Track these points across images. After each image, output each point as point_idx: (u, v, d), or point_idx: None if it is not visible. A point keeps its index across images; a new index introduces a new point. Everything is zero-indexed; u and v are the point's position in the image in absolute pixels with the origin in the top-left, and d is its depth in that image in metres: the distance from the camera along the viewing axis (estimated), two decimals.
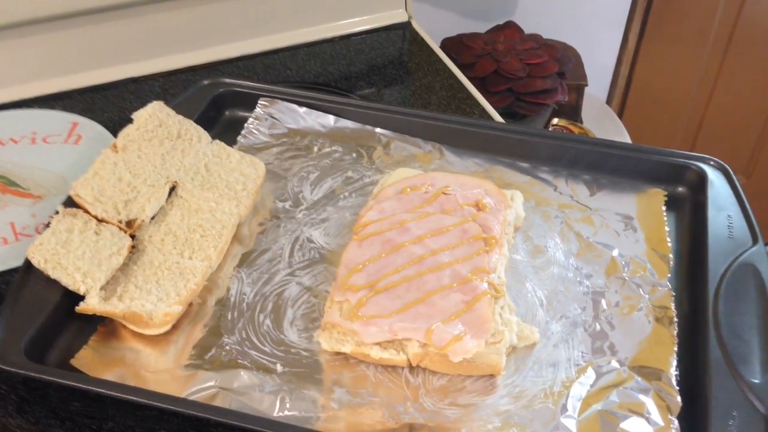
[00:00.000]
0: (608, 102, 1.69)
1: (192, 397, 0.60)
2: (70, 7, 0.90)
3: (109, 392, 0.58)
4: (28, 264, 0.66)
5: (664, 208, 0.76)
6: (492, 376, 0.62)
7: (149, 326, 0.64)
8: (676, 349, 0.62)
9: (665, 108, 1.75)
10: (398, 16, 1.09)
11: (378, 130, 0.85)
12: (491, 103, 0.97)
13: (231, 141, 0.81)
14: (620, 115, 1.70)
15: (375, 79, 1.00)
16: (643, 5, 1.57)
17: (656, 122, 1.78)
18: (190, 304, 0.67)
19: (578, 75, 1.29)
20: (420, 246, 0.68)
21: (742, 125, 1.79)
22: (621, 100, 1.70)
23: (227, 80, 0.88)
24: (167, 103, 0.82)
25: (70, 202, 0.71)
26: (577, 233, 0.74)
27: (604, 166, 0.79)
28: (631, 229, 0.74)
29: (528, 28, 1.30)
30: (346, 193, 0.79)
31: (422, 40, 1.07)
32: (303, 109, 0.86)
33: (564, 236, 0.74)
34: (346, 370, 0.63)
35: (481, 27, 1.28)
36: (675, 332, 0.64)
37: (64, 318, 0.65)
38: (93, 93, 0.94)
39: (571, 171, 0.80)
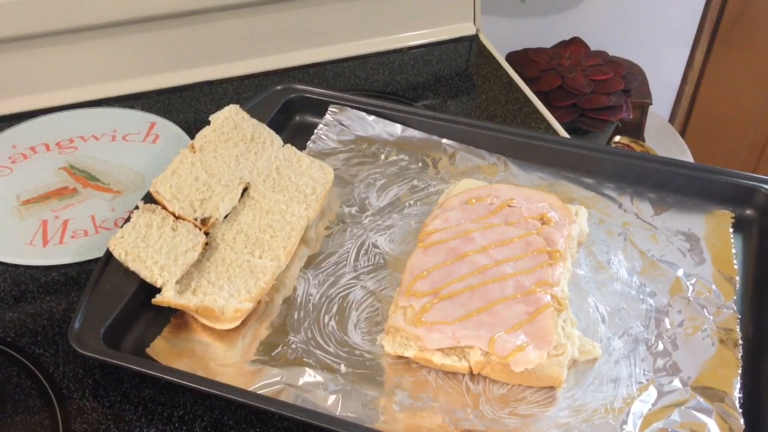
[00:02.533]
0: (671, 121, 1.68)
1: (258, 392, 0.62)
2: (152, 11, 0.94)
3: (180, 381, 0.61)
4: (108, 255, 0.69)
5: (731, 229, 0.75)
6: (552, 388, 0.62)
7: (220, 321, 0.66)
8: (740, 371, 0.62)
9: (729, 129, 1.73)
10: (466, 29, 1.10)
11: (444, 140, 0.86)
12: (555, 118, 0.97)
13: (300, 145, 0.84)
14: (683, 134, 1.68)
15: (441, 90, 1.02)
16: (711, 25, 1.55)
17: (719, 143, 1.75)
18: (259, 302, 0.70)
19: (643, 93, 1.28)
20: (484, 256, 0.69)
21: None
22: (684, 119, 1.68)
23: (299, 86, 0.91)
24: (241, 106, 0.85)
25: (149, 198, 0.74)
26: (640, 251, 0.74)
27: (671, 185, 0.79)
28: (696, 249, 0.74)
29: (594, 45, 1.30)
30: (411, 201, 0.81)
31: (489, 53, 1.08)
32: (371, 117, 0.88)
33: (627, 253, 0.74)
34: (408, 374, 0.64)
35: (547, 42, 1.29)
36: (739, 355, 0.64)
37: (140, 309, 0.68)
38: (170, 94, 0.98)
39: (636, 189, 0.80)
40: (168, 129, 0.92)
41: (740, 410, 0.59)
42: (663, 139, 1.36)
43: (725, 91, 1.65)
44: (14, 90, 0.95)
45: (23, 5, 0.89)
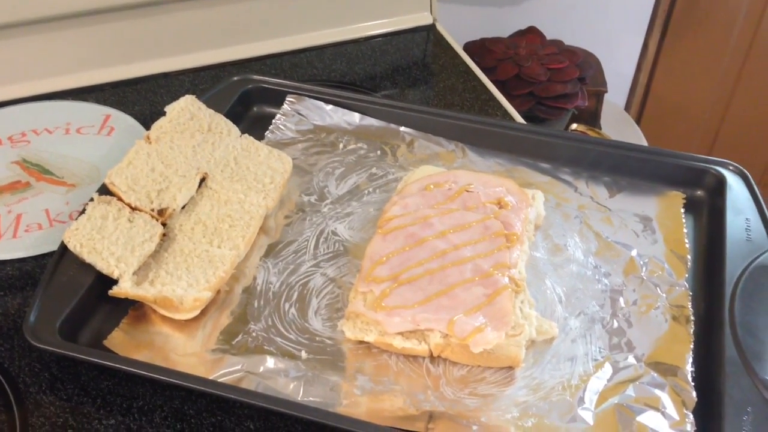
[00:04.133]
0: (627, 109, 1.71)
1: (219, 380, 0.62)
2: (105, 2, 0.93)
3: (139, 371, 0.61)
4: (63, 248, 0.68)
5: (682, 210, 0.77)
6: (511, 368, 0.63)
7: (179, 311, 0.66)
8: (692, 346, 0.64)
9: (683, 116, 1.76)
10: (423, 18, 1.11)
11: (402, 128, 0.87)
12: (512, 106, 0.98)
13: (258, 136, 0.84)
14: (638, 121, 1.71)
15: (399, 80, 1.02)
16: (663, 14, 1.58)
17: (674, 130, 1.78)
18: (218, 291, 0.69)
19: (598, 81, 1.30)
20: (443, 241, 0.69)
21: (760, 134, 1.79)
22: (639, 107, 1.71)
23: (256, 77, 0.90)
24: (198, 97, 0.84)
25: (104, 190, 0.73)
26: (596, 233, 0.76)
27: (624, 168, 0.81)
28: (649, 230, 0.75)
29: (550, 35, 1.32)
30: (371, 189, 0.81)
31: (446, 42, 1.09)
32: (329, 107, 0.88)
33: (583, 235, 0.76)
34: (369, 358, 0.65)
35: (504, 32, 1.30)
36: (691, 330, 0.65)
37: (97, 301, 0.67)
38: (125, 87, 0.97)
39: (591, 173, 0.82)
40: (123, 121, 0.91)
41: (692, 384, 0.61)
42: (619, 127, 1.38)
43: (679, 78, 1.68)
44: None
45: None
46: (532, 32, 1.26)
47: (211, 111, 0.82)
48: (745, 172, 0.78)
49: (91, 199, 0.72)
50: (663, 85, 1.66)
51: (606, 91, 1.29)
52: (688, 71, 1.67)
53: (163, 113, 0.81)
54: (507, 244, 0.69)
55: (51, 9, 0.91)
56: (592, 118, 1.28)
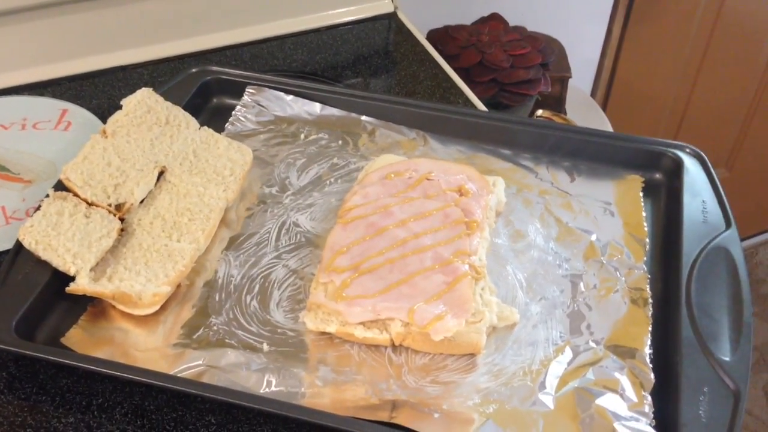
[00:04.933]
0: (592, 94, 1.72)
1: (180, 375, 0.61)
2: None
3: (97, 368, 0.60)
4: (18, 245, 0.67)
5: (641, 194, 0.78)
6: (472, 355, 0.63)
7: (138, 306, 0.65)
8: (650, 329, 0.65)
9: (648, 101, 1.78)
10: (384, 6, 1.10)
11: (363, 117, 0.86)
12: (476, 94, 0.98)
13: (218, 128, 0.83)
14: (604, 107, 1.72)
15: (361, 69, 1.01)
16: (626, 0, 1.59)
17: (639, 115, 1.80)
18: (179, 286, 0.69)
19: (562, 67, 1.31)
20: (403, 229, 0.69)
21: (724, 119, 1.82)
22: (605, 92, 1.72)
23: (214, 68, 0.89)
24: (156, 90, 0.83)
25: (60, 186, 0.72)
26: (557, 218, 0.76)
27: (584, 153, 0.81)
28: (609, 214, 0.76)
29: (513, 21, 1.32)
30: (332, 179, 0.81)
31: (408, 30, 1.09)
32: (290, 97, 0.88)
33: (544, 221, 0.76)
34: (331, 349, 0.65)
35: (467, 19, 1.30)
36: (649, 313, 0.66)
37: (54, 298, 0.66)
38: (82, 80, 0.95)
39: (551, 158, 0.82)
40: (80, 116, 0.89)
41: (650, 365, 0.61)
42: (584, 112, 1.39)
43: (643, 64, 1.70)
44: None
45: None
46: (494, 19, 1.26)
47: (169, 104, 0.81)
48: (702, 154, 0.79)
49: (47, 196, 0.71)
50: (628, 70, 1.67)
51: (570, 77, 1.29)
52: (652, 57, 1.69)
53: (121, 107, 0.80)
54: (467, 232, 0.69)
55: (3, 2, 0.89)
56: (557, 103, 1.29)
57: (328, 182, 0.80)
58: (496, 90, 1.13)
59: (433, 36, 1.22)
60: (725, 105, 1.79)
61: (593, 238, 0.74)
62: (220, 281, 0.70)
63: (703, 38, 1.67)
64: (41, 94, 0.93)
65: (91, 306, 0.67)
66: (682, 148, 0.79)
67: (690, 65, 1.72)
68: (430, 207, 0.72)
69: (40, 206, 0.70)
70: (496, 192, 0.76)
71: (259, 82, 0.88)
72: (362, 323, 0.64)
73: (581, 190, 0.79)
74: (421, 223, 0.70)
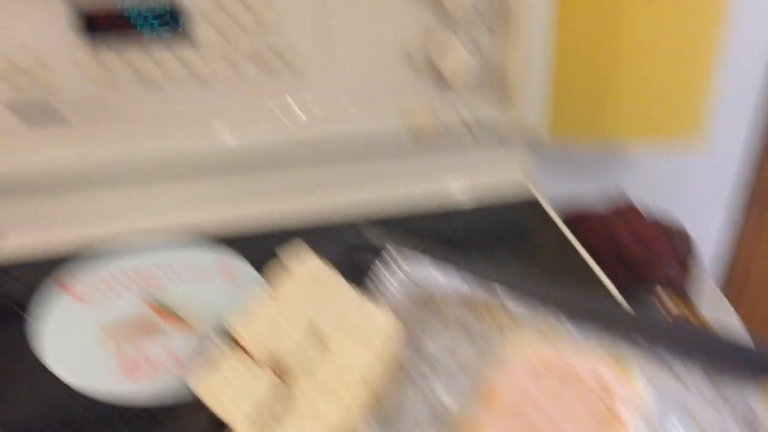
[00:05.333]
0: (720, 285, 1.71)
1: None
2: (227, 162, 1.04)
3: None
4: (186, 390, 0.74)
5: None
6: None
7: None
8: None
9: None
10: (524, 189, 1.18)
11: (502, 295, 0.91)
12: (606, 275, 1.02)
13: (363, 289, 0.89)
14: (725, 293, 1.70)
15: (500, 246, 1.07)
16: (762, 191, 1.60)
17: None
18: None
19: (688, 251, 1.33)
20: (543, 416, 0.71)
21: None
22: (734, 284, 1.70)
23: (365, 234, 0.97)
24: (314, 252, 0.91)
25: (228, 339, 0.79)
26: (692, 417, 0.76)
27: (723, 358, 0.82)
28: (750, 421, 0.75)
29: (637, 195, 1.37)
30: (471, 353, 0.84)
31: (547, 215, 1.15)
32: (431, 266, 0.94)
33: (682, 422, 0.76)
34: None
35: (590, 186, 1.36)
36: None
37: None
38: (245, 236, 1.06)
39: (690, 358, 0.83)
40: (242, 268, 0.98)
41: None
42: (709, 302, 1.38)
43: None
44: (101, 224, 1.04)
45: (102, 146, 0.99)
46: (630, 209, 1.31)
47: (330, 270, 0.89)
48: None
49: (216, 346, 0.77)
50: (760, 264, 1.66)
51: (698, 268, 1.30)
52: None
53: (281, 262, 0.88)
54: (608, 425, 0.71)
55: (180, 166, 1.02)
56: (680, 288, 1.30)
57: (466, 356, 0.84)
58: (630, 280, 1.16)
59: (569, 221, 1.28)
60: None
61: None
62: None
63: None
64: (208, 246, 1.03)
65: None
66: None
67: None
68: (571, 396, 0.74)
69: (208, 354, 0.76)
70: (635, 386, 0.77)
71: (402, 246, 0.95)
72: None
73: (720, 393, 0.79)
74: (562, 411, 0.72)
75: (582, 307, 0.88)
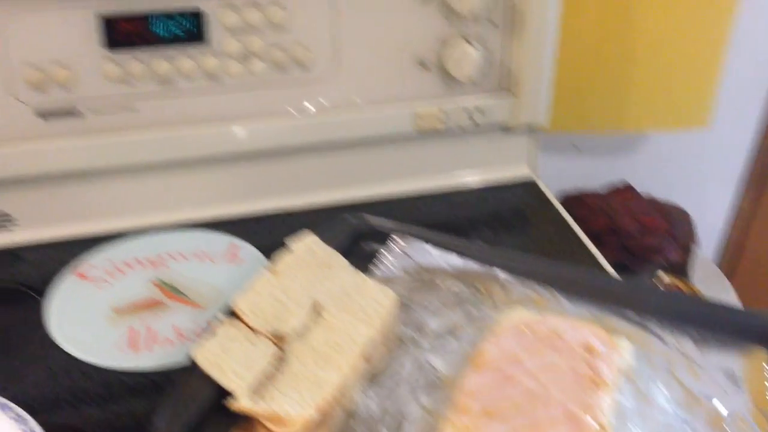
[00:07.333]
0: (718, 263, 1.72)
1: None
2: (234, 149, 1.07)
3: None
4: (191, 362, 0.77)
5: (765, 366, 0.79)
6: None
7: (286, 426, 0.72)
8: None
9: None
10: (523, 172, 1.21)
11: (498, 272, 0.94)
12: (603, 256, 1.04)
13: (365, 269, 0.92)
14: (730, 276, 1.71)
15: (497, 227, 1.10)
16: (760, 169, 1.62)
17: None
18: (324, 414, 0.76)
19: (690, 236, 1.35)
20: (532, 380, 0.74)
21: None
22: (732, 262, 1.72)
23: (367, 217, 1.01)
24: (316, 233, 0.94)
25: (230, 313, 0.83)
26: (681, 383, 0.79)
27: (711, 323, 0.84)
28: (734, 384, 0.78)
29: (641, 185, 1.38)
30: (467, 327, 0.87)
31: (544, 195, 1.17)
32: (431, 248, 0.97)
33: (669, 385, 0.79)
34: None
35: (596, 180, 1.38)
36: None
37: (211, 412, 0.74)
38: (250, 221, 1.09)
39: (677, 325, 0.85)
40: (248, 251, 1.02)
41: None
42: (709, 281, 1.40)
43: None
44: (112, 212, 1.08)
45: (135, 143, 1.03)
46: (626, 188, 1.33)
47: (329, 248, 0.92)
48: None
49: (218, 320, 0.81)
50: (758, 242, 1.67)
51: (697, 246, 1.32)
52: None
53: (284, 245, 0.91)
54: (594, 388, 0.73)
55: (191, 152, 1.06)
56: (681, 270, 1.32)
57: (462, 329, 0.87)
58: (624, 254, 1.18)
59: (567, 200, 1.30)
60: None
61: (719, 407, 0.75)
62: (358, 411, 0.76)
63: None
64: (216, 231, 1.07)
65: (243, 422, 0.75)
66: None
67: None
68: (559, 361, 0.76)
69: (211, 328, 0.80)
70: (622, 353, 0.80)
71: (405, 232, 0.98)
72: None
73: (707, 358, 0.81)
74: (549, 375, 0.75)
75: (574, 280, 0.91)
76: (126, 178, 1.07)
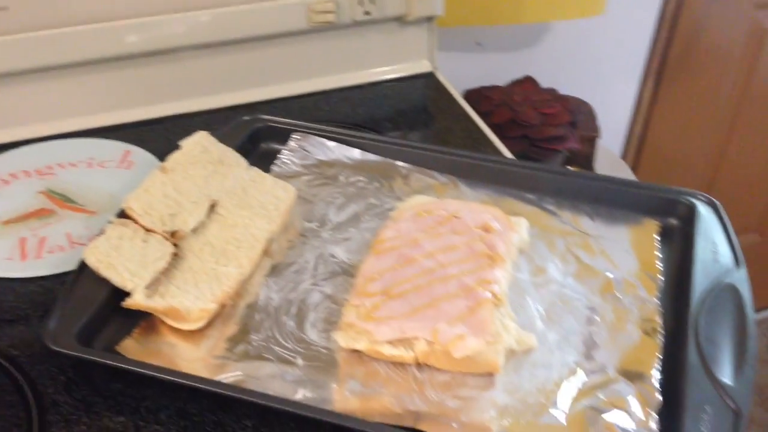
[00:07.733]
0: (623, 156, 1.77)
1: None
2: (126, 50, 1.02)
3: (146, 372, 0.66)
4: (82, 264, 0.75)
5: (657, 237, 0.83)
6: (491, 374, 0.68)
7: (186, 321, 0.72)
8: (659, 355, 0.69)
9: (678, 164, 1.82)
10: (423, 66, 1.19)
11: (399, 163, 0.93)
12: (507, 148, 1.05)
13: (265, 170, 0.90)
14: (634, 169, 1.77)
15: (399, 122, 1.09)
16: (657, 64, 1.66)
17: (669, 177, 1.84)
18: (224, 306, 0.75)
19: (591, 127, 1.37)
20: (431, 260, 0.75)
21: (756, 183, 1.84)
22: (635, 154, 1.77)
23: (264, 116, 0.98)
24: (211, 134, 0.91)
25: (122, 215, 0.80)
26: (576, 257, 0.81)
27: (604, 199, 0.87)
28: (626, 254, 0.81)
29: (545, 83, 1.39)
30: (368, 217, 0.87)
31: (445, 89, 1.17)
32: (332, 144, 0.96)
33: (564, 259, 0.81)
34: (360, 366, 0.70)
35: (501, 79, 1.38)
36: (659, 341, 0.70)
37: (111, 312, 0.73)
38: (144, 126, 1.05)
39: (573, 203, 0.87)
40: (142, 156, 0.98)
41: (658, 388, 0.65)
42: (613, 173, 1.44)
43: (673, 127, 1.75)
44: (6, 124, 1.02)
45: (5, 44, 0.96)
46: (527, 81, 1.34)
47: (222, 145, 0.90)
48: (715, 201, 0.83)
49: (110, 222, 0.78)
50: (658, 133, 1.73)
51: (598, 137, 1.35)
52: (682, 120, 1.74)
53: (179, 148, 0.88)
54: (490, 263, 0.75)
55: (77, 55, 1.00)
56: (586, 162, 1.35)
57: (364, 219, 0.87)
58: (527, 145, 1.20)
59: (469, 95, 1.30)
60: (758, 169, 1.82)
61: (610, 275, 0.78)
62: (260, 303, 0.76)
63: (734, 100, 1.72)
64: (107, 138, 1.02)
65: (144, 321, 0.73)
66: (696, 196, 0.84)
67: (721, 129, 1.77)
68: (457, 241, 0.77)
69: (103, 231, 0.78)
70: (519, 231, 0.81)
71: (304, 130, 0.96)
72: (389, 342, 0.69)
73: (601, 232, 0.84)
74: (447, 255, 0.76)
75: (472, 166, 0.92)
76: (8, 87, 1.01)
